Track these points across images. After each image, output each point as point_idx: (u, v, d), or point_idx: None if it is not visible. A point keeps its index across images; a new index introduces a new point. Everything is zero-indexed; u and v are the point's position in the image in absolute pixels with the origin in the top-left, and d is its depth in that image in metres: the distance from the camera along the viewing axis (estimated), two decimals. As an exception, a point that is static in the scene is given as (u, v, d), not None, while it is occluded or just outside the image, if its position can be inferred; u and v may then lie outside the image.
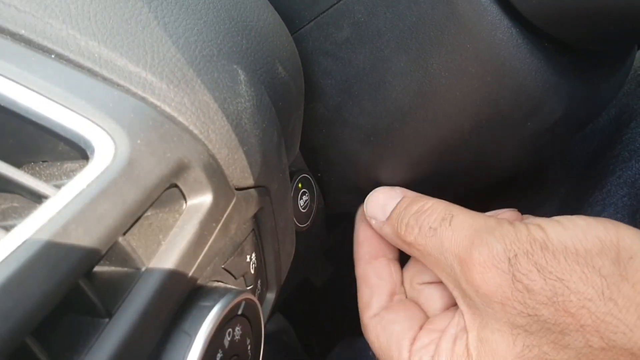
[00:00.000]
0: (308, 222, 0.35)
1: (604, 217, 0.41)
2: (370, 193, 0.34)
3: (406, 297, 0.34)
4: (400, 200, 0.32)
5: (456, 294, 0.29)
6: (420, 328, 0.31)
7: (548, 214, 0.47)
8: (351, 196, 0.37)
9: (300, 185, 0.33)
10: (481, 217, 0.28)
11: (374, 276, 0.34)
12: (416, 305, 0.33)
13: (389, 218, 0.32)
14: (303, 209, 0.34)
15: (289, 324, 0.71)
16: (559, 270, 0.24)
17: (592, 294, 0.24)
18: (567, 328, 0.24)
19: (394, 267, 0.34)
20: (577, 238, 0.25)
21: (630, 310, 0.23)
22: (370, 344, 0.33)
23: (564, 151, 0.46)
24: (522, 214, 0.48)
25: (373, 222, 0.33)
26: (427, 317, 0.32)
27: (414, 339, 0.30)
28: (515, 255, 0.25)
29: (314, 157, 0.35)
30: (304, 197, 0.34)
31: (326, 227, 0.39)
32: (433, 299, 0.32)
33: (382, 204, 0.32)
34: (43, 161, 0.20)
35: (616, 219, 0.40)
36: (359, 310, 0.34)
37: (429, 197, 0.31)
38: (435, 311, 0.32)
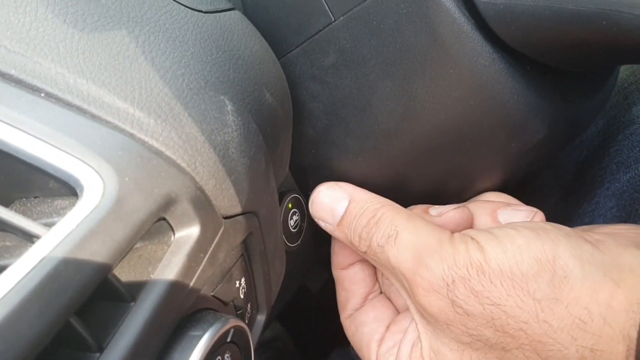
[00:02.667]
0: (298, 242, 0.36)
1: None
2: (314, 193, 0.34)
3: (381, 292, 0.36)
4: (349, 206, 0.32)
5: (409, 303, 0.30)
6: (387, 328, 0.33)
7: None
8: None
9: (290, 205, 0.34)
10: (424, 233, 0.28)
11: (347, 281, 0.35)
12: (386, 303, 0.34)
13: (339, 224, 0.32)
14: (293, 228, 0.35)
15: (285, 330, 0.71)
16: (496, 295, 0.25)
17: (528, 317, 0.25)
18: (507, 346, 0.26)
19: (368, 270, 0.35)
20: (514, 260, 0.26)
21: (564, 330, 0.24)
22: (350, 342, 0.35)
23: (553, 162, 0.46)
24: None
25: (322, 224, 0.33)
26: (397, 313, 0.34)
27: (381, 340, 0.32)
28: (453, 281, 0.26)
29: (304, 177, 0.35)
30: (295, 217, 0.35)
31: (317, 243, 0.39)
32: (400, 294, 0.33)
33: (328, 207, 0.32)
34: (34, 197, 0.21)
35: None
36: (339, 310, 0.36)
37: (377, 203, 0.31)
38: (403, 306, 0.34)
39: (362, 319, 0.34)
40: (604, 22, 0.22)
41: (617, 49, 0.24)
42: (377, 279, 0.36)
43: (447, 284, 0.26)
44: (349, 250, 0.35)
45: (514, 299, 0.25)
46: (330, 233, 0.33)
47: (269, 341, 0.68)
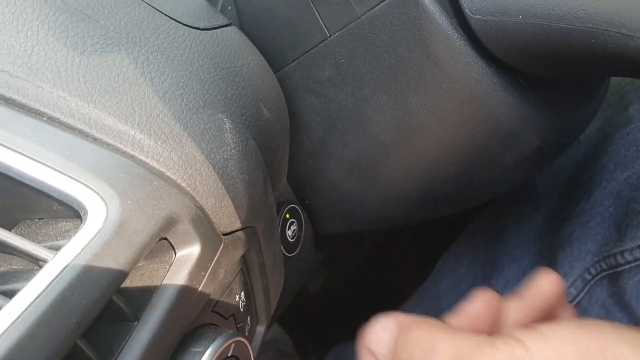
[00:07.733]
0: (297, 250, 0.36)
1: (591, 226, 0.42)
2: (370, 327, 0.29)
3: None
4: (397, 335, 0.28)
5: None
6: None
7: (537, 223, 0.48)
8: (339, 221, 0.38)
9: (288, 215, 0.34)
10: (459, 340, 0.26)
11: None
12: None
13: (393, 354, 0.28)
14: (291, 238, 0.35)
15: (285, 331, 0.72)
16: None
17: None
18: None
19: None
20: (560, 351, 0.23)
21: None
22: None
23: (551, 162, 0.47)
24: (512, 223, 0.48)
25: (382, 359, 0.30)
26: None
27: None
28: None
29: (301, 187, 0.36)
30: (292, 227, 0.35)
31: (315, 249, 0.40)
32: None
33: (384, 340, 0.29)
34: (39, 218, 0.21)
35: (602, 228, 0.42)
36: None
37: (414, 322, 0.28)
38: None
39: None
40: (592, 41, 0.23)
41: (605, 65, 0.25)
42: None
43: None
44: None
45: None
46: None
47: (269, 343, 0.69)
